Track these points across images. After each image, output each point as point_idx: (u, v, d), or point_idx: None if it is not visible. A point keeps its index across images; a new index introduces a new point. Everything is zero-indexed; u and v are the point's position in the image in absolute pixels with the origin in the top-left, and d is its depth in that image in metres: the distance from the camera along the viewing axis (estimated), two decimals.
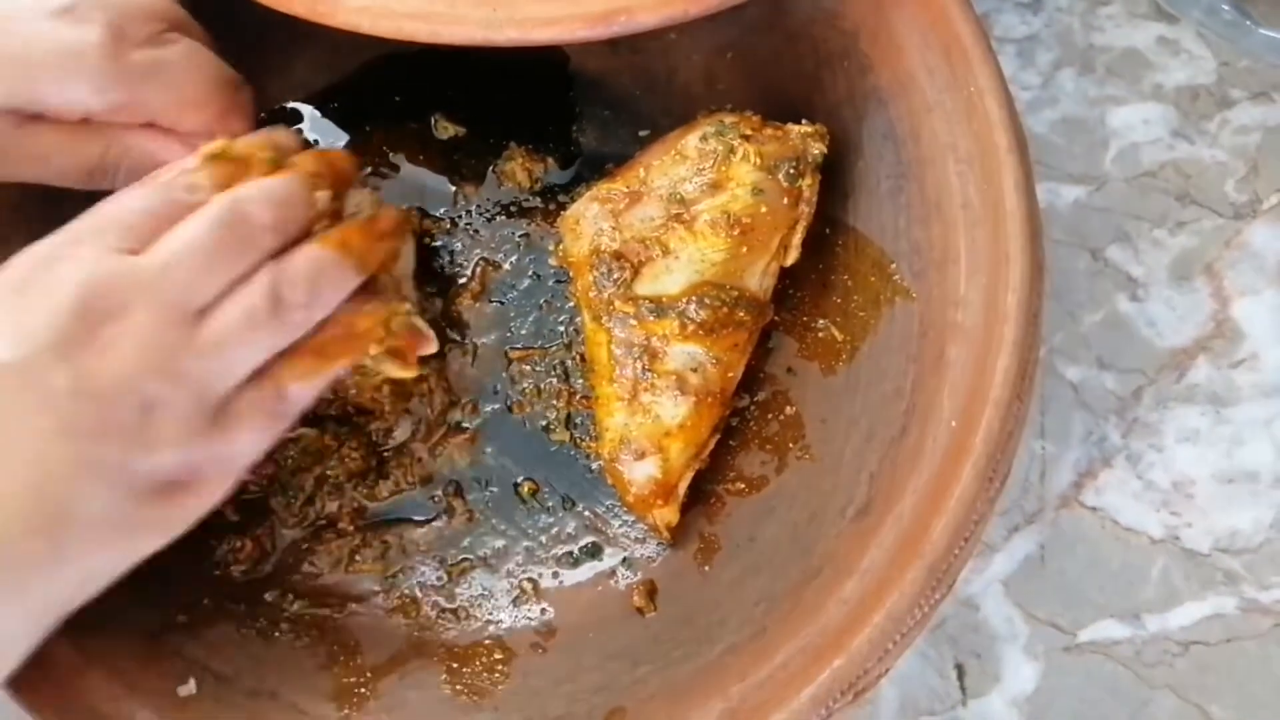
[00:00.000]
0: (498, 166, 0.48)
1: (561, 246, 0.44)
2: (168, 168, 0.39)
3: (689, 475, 0.42)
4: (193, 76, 0.41)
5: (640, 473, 0.41)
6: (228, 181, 0.38)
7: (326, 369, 0.38)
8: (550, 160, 0.48)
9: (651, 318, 0.41)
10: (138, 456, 0.33)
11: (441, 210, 0.48)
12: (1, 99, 0.38)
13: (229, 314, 0.35)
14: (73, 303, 0.33)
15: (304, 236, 0.38)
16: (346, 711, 0.41)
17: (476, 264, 0.47)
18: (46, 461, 0.32)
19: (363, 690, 0.41)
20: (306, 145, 0.44)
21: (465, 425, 0.46)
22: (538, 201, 0.48)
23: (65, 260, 0.34)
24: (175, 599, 0.42)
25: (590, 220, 0.42)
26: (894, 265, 0.42)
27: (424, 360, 0.44)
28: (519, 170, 0.48)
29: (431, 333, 0.41)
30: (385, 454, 0.46)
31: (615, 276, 0.41)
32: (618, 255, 0.42)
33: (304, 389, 0.38)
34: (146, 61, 0.39)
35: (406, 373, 0.41)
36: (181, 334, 0.34)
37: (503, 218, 0.48)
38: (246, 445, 0.36)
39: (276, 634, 0.43)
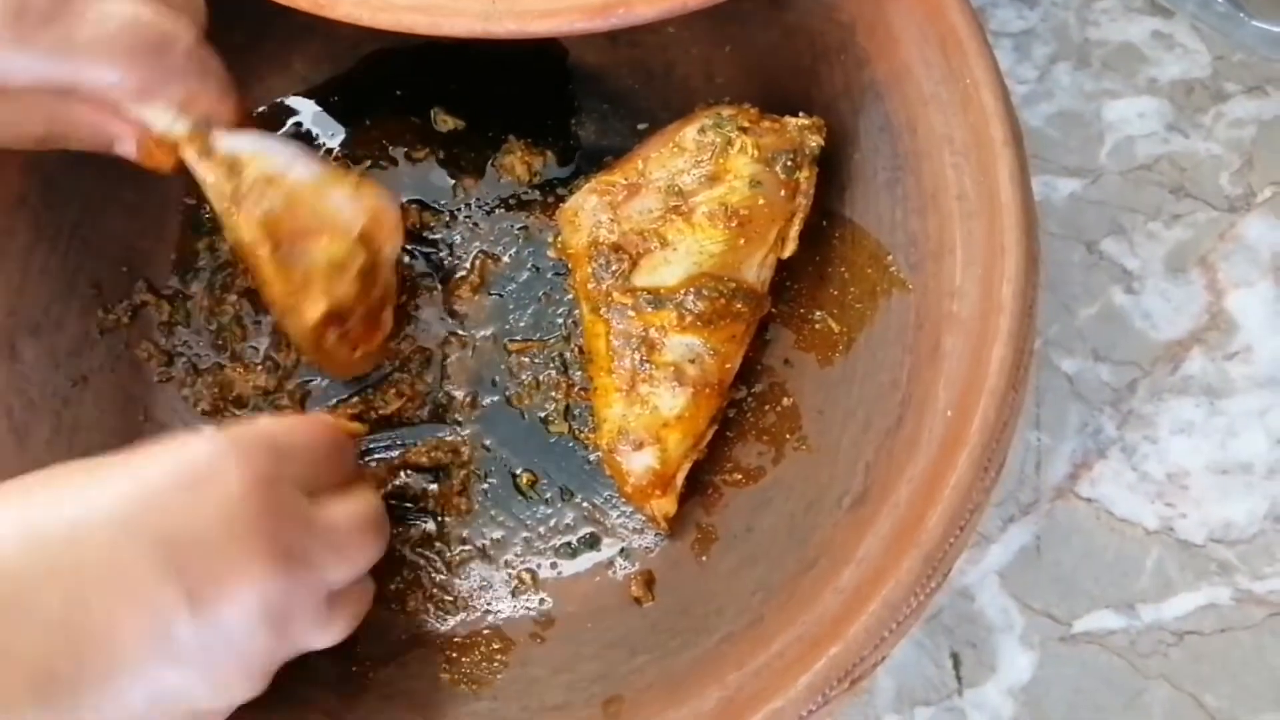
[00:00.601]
0: (497, 160, 0.48)
1: (560, 239, 0.44)
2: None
3: (686, 466, 0.42)
4: (105, 45, 0.37)
5: (638, 463, 0.42)
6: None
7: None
8: (549, 153, 0.48)
9: (649, 309, 0.41)
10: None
11: (440, 203, 0.48)
12: None
13: (350, 604, 0.37)
14: (262, 532, 0.33)
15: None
16: (346, 699, 0.41)
17: (475, 257, 0.48)
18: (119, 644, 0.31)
19: (363, 679, 0.42)
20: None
21: (463, 418, 0.46)
22: (536, 194, 0.48)
23: (270, 489, 0.34)
24: None
25: (589, 212, 0.43)
26: (890, 257, 0.42)
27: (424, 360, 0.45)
28: (518, 163, 0.48)
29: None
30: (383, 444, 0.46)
31: (613, 268, 0.42)
32: (616, 247, 0.42)
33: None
34: (52, 38, 0.37)
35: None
36: (319, 605, 0.35)
37: (502, 211, 0.48)
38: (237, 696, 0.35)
39: None
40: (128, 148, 0.41)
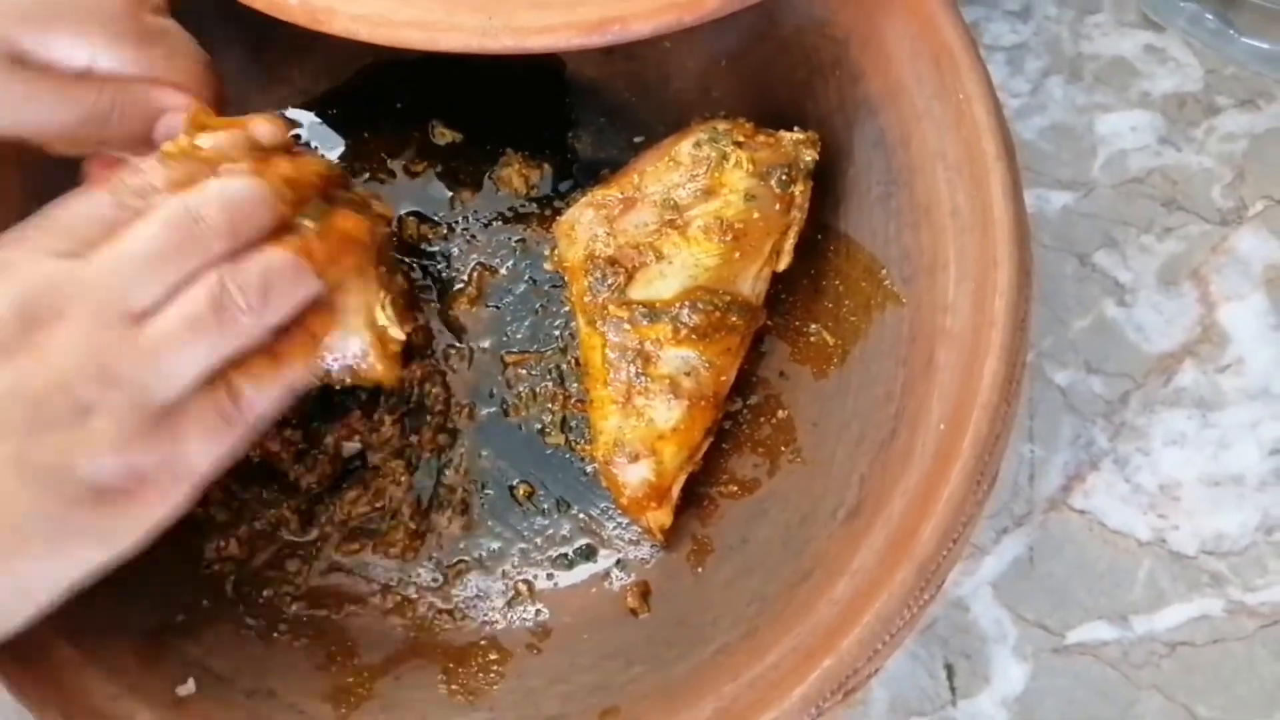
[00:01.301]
0: (494, 173, 0.49)
1: (556, 252, 0.45)
2: (120, 171, 0.37)
3: (682, 478, 0.43)
4: (189, 49, 0.42)
5: (634, 475, 0.42)
6: (187, 182, 0.36)
7: (280, 373, 0.37)
8: (546, 166, 0.49)
9: (645, 322, 0.41)
10: (72, 459, 0.32)
11: (438, 216, 0.49)
12: (11, 41, 0.37)
13: (170, 317, 0.34)
14: (8, 307, 0.33)
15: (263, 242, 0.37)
16: (344, 711, 0.41)
17: (473, 269, 0.48)
18: None
19: (360, 690, 0.42)
20: (295, 142, 0.43)
21: (461, 428, 0.46)
22: (534, 207, 0.48)
23: (5, 266, 0.34)
24: (174, 599, 0.42)
25: (585, 226, 0.43)
26: (884, 271, 0.43)
27: (423, 364, 0.45)
28: (515, 176, 0.48)
29: (399, 333, 0.41)
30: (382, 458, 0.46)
31: (609, 281, 0.42)
32: (612, 260, 0.42)
33: (258, 394, 0.36)
34: (157, 26, 0.40)
35: (388, 375, 0.41)
36: (119, 336, 0.33)
37: (499, 223, 0.48)
38: (197, 451, 0.35)
39: (275, 634, 0.43)
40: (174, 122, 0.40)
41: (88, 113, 0.39)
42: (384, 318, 0.40)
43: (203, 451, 0.35)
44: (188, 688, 0.40)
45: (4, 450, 0.32)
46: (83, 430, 0.32)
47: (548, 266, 0.47)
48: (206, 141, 0.38)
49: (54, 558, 0.33)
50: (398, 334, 0.41)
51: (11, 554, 0.32)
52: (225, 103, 0.43)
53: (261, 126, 0.40)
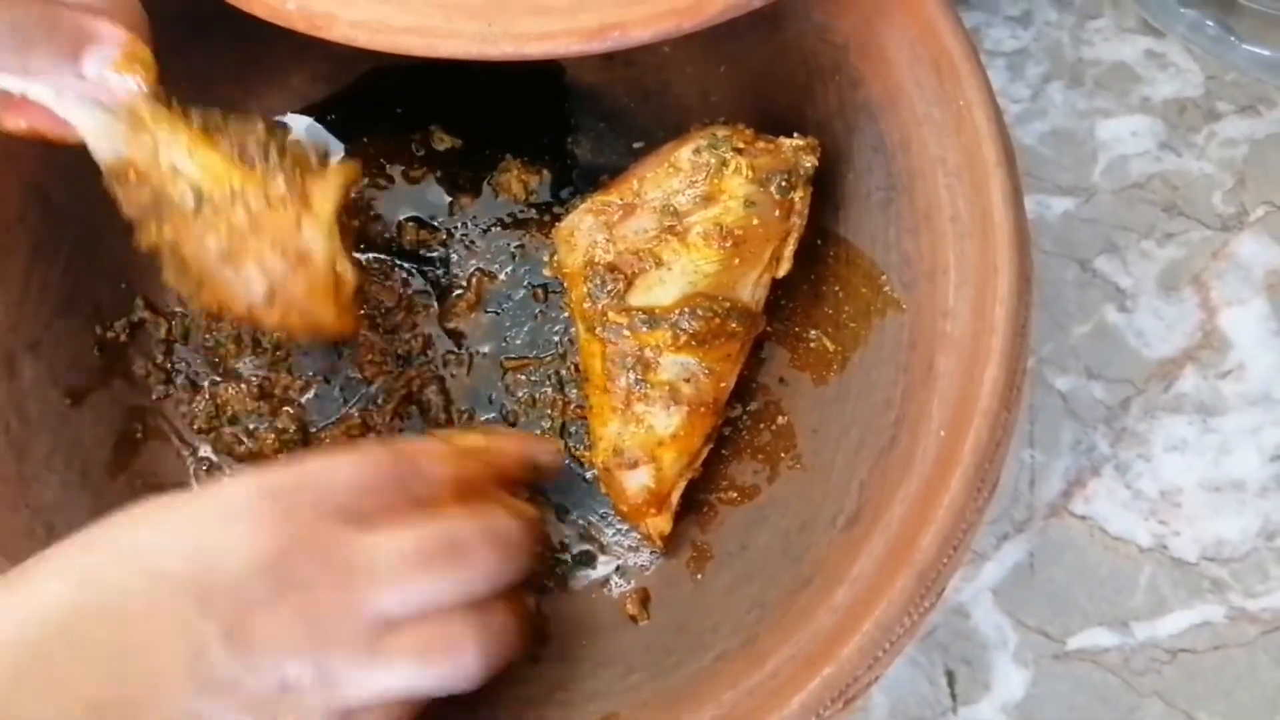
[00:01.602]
0: (493, 178, 0.49)
1: (556, 258, 0.45)
2: (415, 448, 0.38)
3: (682, 484, 0.43)
4: None
5: (634, 482, 0.42)
6: (466, 478, 0.37)
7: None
8: (545, 172, 0.49)
9: (645, 328, 0.41)
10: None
11: (437, 221, 0.49)
12: None
13: (409, 640, 0.34)
14: (267, 560, 0.33)
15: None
16: None
17: (472, 275, 0.48)
18: (169, 698, 0.31)
19: None
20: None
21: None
22: (533, 213, 0.48)
23: (286, 519, 0.34)
24: None
25: (584, 232, 0.43)
26: (884, 276, 0.43)
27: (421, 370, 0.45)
28: (514, 182, 0.48)
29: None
30: None
31: (609, 288, 0.42)
32: (611, 267, 0.42)
33: None
34: None
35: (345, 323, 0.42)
36: (353, 634, 0.33)
37: (498, 229, 0.48)
38: None
39: None
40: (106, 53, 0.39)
41: (16, 20, 0.37)
42: (340, 262, 0.41)
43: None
44: None
45: (194, 692, 0.31)
46: (274, 703, 0.32)
47: (547, 272, 0.47)
48: (484, 444, 0.39)
49: None
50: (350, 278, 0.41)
51: None
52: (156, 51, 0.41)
53: (544, 456, 0.42)
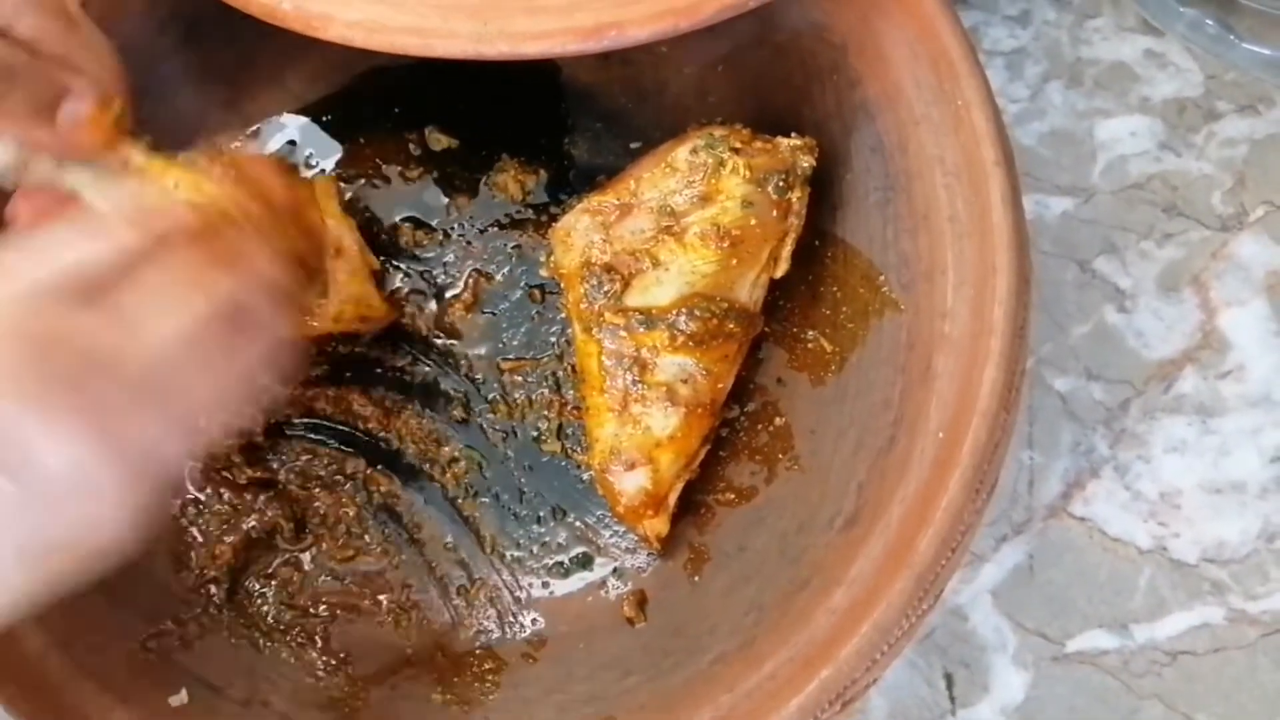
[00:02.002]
0: (490, 178, 0.48)
1: (553, 258, 0.44)
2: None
3: (679, 486, 0.42)
4: (108, 51, 0.38)
5: (630, 483, 0.42)
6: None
7: None
8: (542, 172, 0.49)
9: (641, 329, 0.41)
10: None
11: (434, 222, 0.48)
12: None
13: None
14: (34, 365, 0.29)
15: None
16: None
17: (469, 275, 0.48)
18: None
19: (354, 700, 0.42)
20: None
21: (455, 436, 0.46)
22: (530, 213, 0.48)
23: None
24: (165, 609, 0.42)
25: (581, 232, 0.43)
26: (882, 277, 0.42)
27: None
28: (511, 182, 0.48)
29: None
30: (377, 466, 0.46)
31: (606, 288, 0.42)
32: (608, 267, 0.42)
33: None
34: (81, 17, 0.37)
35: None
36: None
37: (495, 229, 0.48)
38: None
39: (269, 644, 0.43)
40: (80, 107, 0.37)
41: None
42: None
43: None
44: (180, 698, 0.39)
45: None
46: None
47: (543, 273, 0.47)
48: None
49: None
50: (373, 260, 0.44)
51: None
52: (130, 118, 0.39)
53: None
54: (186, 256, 0.33)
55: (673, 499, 0.43)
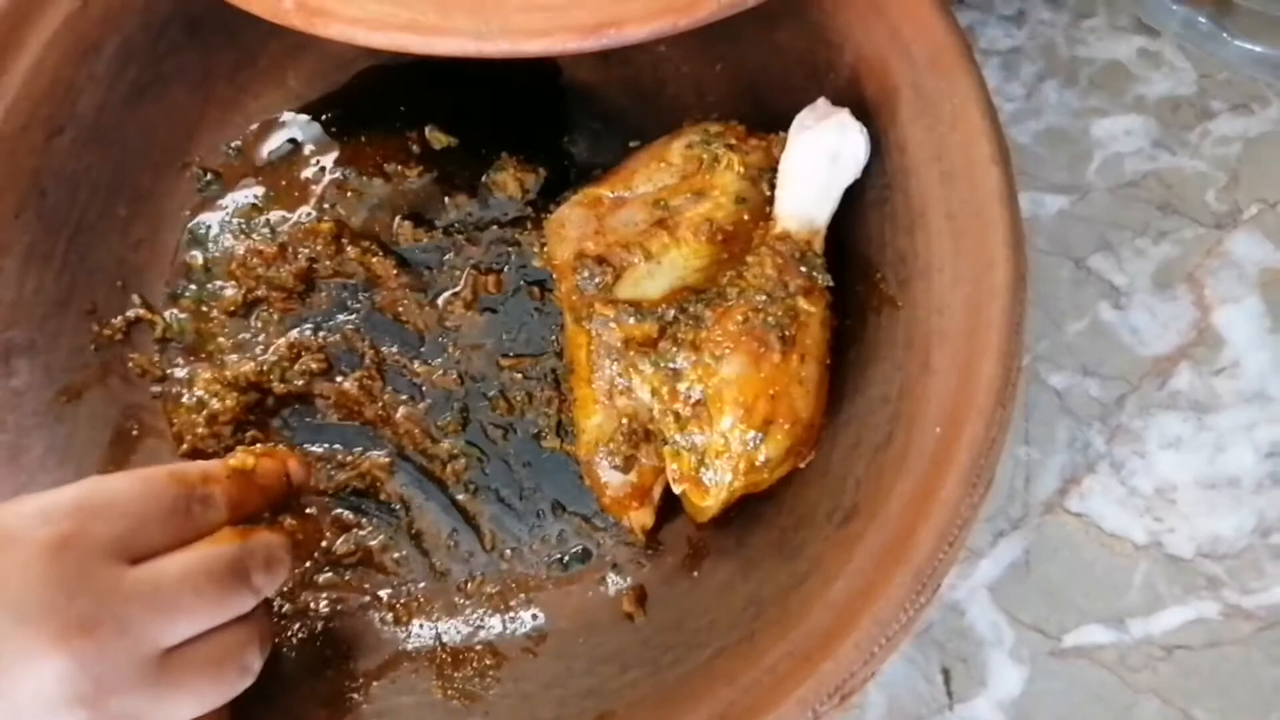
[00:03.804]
0: (489, 177, 0.49)
1: (546, 249, 0.44)
2: (195, 473, 0.38)
3: (664, 479, 0.42)
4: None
5: (616, 475, 0.42)
6: (239, 498, 0.39)
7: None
8: (541, 171, 0.49)
9: (631, 321, 0.41)
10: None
11: (434, 220, 0.49)
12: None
13: (198, 663, 0.35)
14: (48, 597, 0.32)
15: None
16: (339, 716, 0.41)
17: (468, 273, 0.48)
18: None
19: (355, 695, 0.42)
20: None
21: (456, 433, 0.46)
22: (529, 211, 0.48)
23: (62, 550, 0.33)
24: None
25: (575, 223, 0.43)
26: (879, 274, 0.43)
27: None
28: (510, 181, 0.48)
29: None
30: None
31: (597, 280, 0.42)
32: (600, 259, 0.42)
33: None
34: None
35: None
36: (143, 670, 0.34)
37: (494, 228, 0.48)
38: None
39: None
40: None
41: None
42: None
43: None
44: None
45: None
46: None
47: (537, 263, 0.47)
48: (252, 463, 0.40)
49: None
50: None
51: None
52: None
53: (298, 472, 0.42)
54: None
55: (657, 491, 0.43)
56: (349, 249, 0.47)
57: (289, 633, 0.43)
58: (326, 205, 0.48)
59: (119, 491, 0.36)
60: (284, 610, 0.44)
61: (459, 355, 0.47)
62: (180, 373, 0.47)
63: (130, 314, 0.48)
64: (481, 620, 0.44)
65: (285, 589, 0.44)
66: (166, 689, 0.34)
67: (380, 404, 0.47)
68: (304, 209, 0.49)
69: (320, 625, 0.44)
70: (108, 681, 0.33)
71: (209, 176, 0.49)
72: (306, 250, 0.48)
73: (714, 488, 0.40)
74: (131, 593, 0.34)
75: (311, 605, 0.44)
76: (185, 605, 0.34)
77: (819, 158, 0.41)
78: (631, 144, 0.49)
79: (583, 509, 0.45)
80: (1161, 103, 0.53)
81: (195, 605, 0.35)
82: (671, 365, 0.40)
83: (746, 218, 0.42)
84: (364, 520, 0.46)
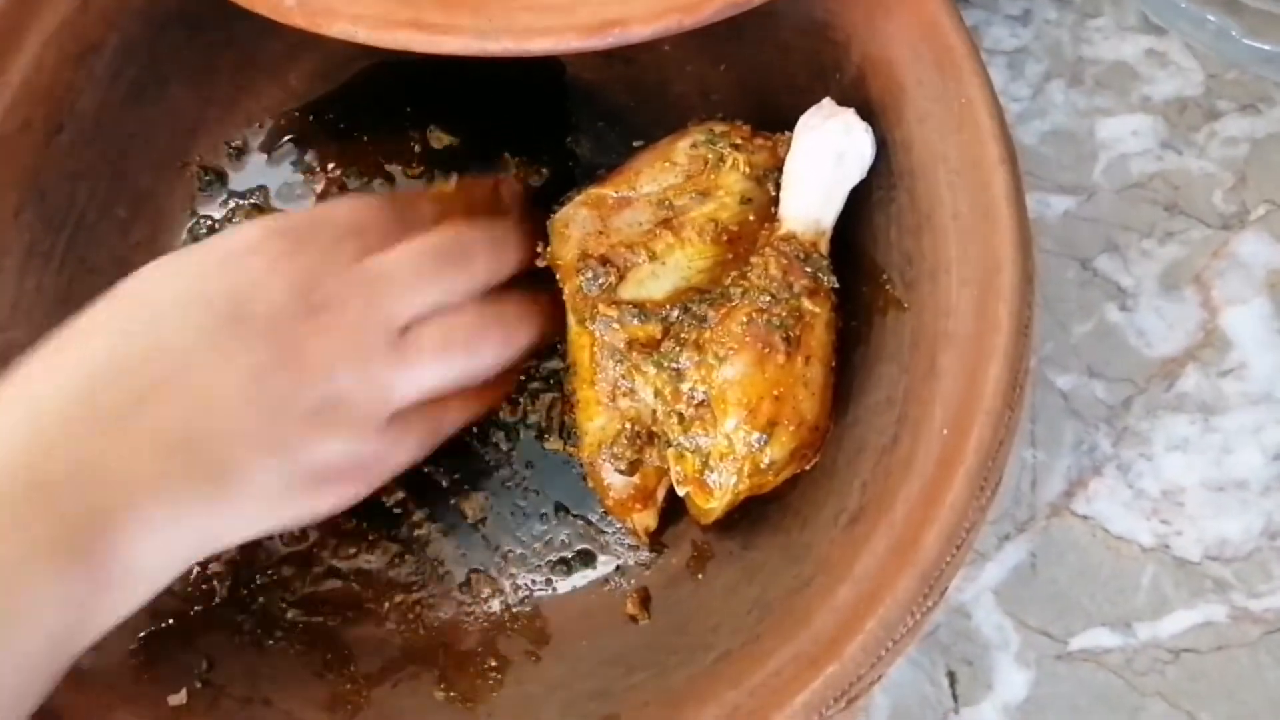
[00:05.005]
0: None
1: (550, 249, 0.44)
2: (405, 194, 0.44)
3: (668, 480, 0.42)
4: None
5: (619, 477, 0.42)
6: (450, 215, 0.41)
7: (480, 406, 0.43)
8: (544, 171, 0.49)
9: (635, 322, 0.41)
10: (313, 443, 0.36)
11: None
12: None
13: (432, 335, 0.38)
14: (296, 291, 0.36)
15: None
16: (340, 719, 0.41)
17: None
18: (237, 423, 0.34)
19: (357, 698, 0.42)
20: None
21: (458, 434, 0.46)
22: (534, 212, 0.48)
23: (292, 254, 0.37)
24: (166, 606, 0.42)
25: (579, 223, 0.42)
26: (885, 275, 0.42)
27: None
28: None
29: None
30: None
31: (601, 280, 0.41)
32: (604, 259, 0.42)
33: (459, 420, 0.41)
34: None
35: None
36: (386, 341, 0.37)
37: None
38: (402, 457, 0.39)
39: (270, 642, 0.43)
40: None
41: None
42: None
43: (405, 457, 0.39)
44: (180, 697, 0.39)
45: (262, 423, 0.35)
46: (331, 418, 0.36)
47: (540, 263, 0.46)
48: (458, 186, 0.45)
49: (258, 521, 0.36)
50: None
51: (238, 511, 0.35)
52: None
53: (506, 186, 0.46)
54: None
55: (661, 493, 0.42)
56: None
57: (291, 635, 0.43)
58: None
59: (338, 206, 0.40)
60: (287, 615, 0.44)
61: None
62: None
63: None
64: (484, 623, 0.44)
65: (289, 591, 0.44)
66: (405, 359, 0.37)
67: None
68: (305, 209, 0.48)
69: (321, 627, 0.44)
70: (362, 348, 0.36)
71: (209, 176, 0.49)
72: None
73: (718, 490, 0.40)
74: (367, 270, 0.37)
75: (313, 608, 0.44)
76: (416, 279, 0.38)
77: (824, 158, 0.41)
78: (635, 144, 0.48)
79: (586, 511, 0.45)
80: (1168, 103, 0.53)
81: (424, 278, 0.38)
82: (675, 365, 0.40)
83: (752, 218, 0.42)
84: (364, 524, 0.45)
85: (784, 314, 0.40)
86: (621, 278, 0.42)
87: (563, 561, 0.45)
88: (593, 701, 0.40)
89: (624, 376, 0.41)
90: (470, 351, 0.39)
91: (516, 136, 0.49)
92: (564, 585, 0.44)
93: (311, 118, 0.50)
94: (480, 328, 0.40)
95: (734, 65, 0.48)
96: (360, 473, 0.38)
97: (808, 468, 0.41)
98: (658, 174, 0.42)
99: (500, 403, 0.45)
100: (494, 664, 0.43)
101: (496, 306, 0.40)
